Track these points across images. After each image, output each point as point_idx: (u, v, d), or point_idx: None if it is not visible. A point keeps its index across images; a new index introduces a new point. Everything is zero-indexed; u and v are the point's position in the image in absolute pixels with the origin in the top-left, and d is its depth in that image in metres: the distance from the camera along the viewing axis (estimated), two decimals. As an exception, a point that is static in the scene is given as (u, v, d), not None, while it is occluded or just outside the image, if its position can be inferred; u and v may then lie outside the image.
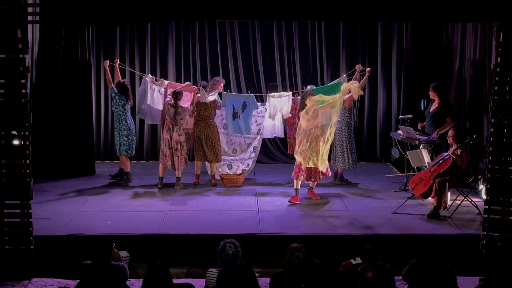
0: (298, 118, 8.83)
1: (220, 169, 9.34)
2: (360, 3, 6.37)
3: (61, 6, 6.28)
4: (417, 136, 8.77)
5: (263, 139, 9.83)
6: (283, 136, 9.50)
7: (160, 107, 9.26)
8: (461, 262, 6.48)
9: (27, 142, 6.09)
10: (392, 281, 5.04)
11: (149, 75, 9.50)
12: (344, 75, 9.35)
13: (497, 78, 6.24)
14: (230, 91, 10.58)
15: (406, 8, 6.37)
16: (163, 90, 9.27)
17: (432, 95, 8.87)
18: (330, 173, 8.46)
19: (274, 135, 9.56)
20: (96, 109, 10.73)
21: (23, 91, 6.08)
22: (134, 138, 9.31)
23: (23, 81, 6.07)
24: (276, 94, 9.29)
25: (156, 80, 9.34)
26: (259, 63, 10.91)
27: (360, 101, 10.95)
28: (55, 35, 9.40)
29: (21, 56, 6.01)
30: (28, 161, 6.13)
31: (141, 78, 9.64)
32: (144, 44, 10.79)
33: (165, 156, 8.87)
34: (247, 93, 9.59)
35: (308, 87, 9.46)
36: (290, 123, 9.39)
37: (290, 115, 9.28)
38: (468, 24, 9.10)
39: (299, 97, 9.28)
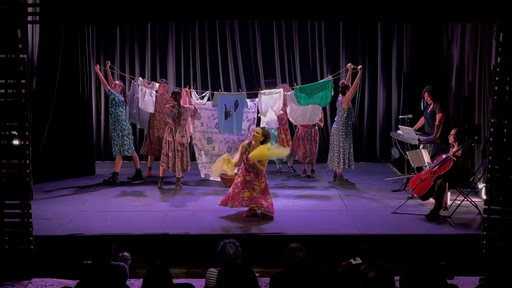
0: (286, 114, 9.36)
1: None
2: (360, 3, 6.37)
3: (61, 6, 6.28)
4: (417, 136, 8.79)
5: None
6: (277, 126, 9.37)
7: (151, 109, 9.25)
8: (461, 262, 6.48)
9: (27, 142, 6.09)
10: (392, 281, 5.04)
11: (140, 78, 9.50)
12: (330, 76, 9.37)
13: (497, 78, 6.24)
14: (230, 91, 10.60)
15: (406, 8, 6.37)
16: (154, 93, 9.28)
17: (427, 98, 8.92)
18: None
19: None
20: (96, 109, 10.73)
21: (23, 91, 6.07)
22: (132, 138, 9.35)
23: (23, 81, 6.07)
24: (267, 91, 9.29)
25: (147, 83, 9.36)
26: (259, 63, 10.91)
27: (360, 101, 10.98)
28: (55, 35, 9.40)
29: (21, 56, 6.01)
30: (28, 161, 6.13)
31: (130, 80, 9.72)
32: (144, 44, 10.79)
33: (167, 157, 8.84)
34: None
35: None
36: (279, 119, 9.39)
37: (282, 112, 9.30)
38: (468, 24, 9.11)
39: (288, 93, 9.30)
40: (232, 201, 7.52)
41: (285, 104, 9.37)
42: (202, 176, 9.38)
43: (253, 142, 7.62)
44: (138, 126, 10.12)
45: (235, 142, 9.34)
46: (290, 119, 9.64)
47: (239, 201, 7.48)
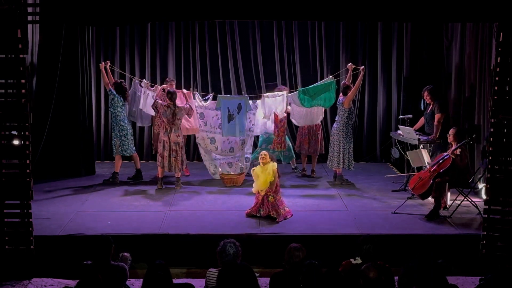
0: (286, 116, 9.30)
1: (220, 169, 9.35)
2: (360, 3, 6.37)
3: (61, 6, 6.28)
4: (417, 136, 8.79)
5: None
6: (271, 132, 9.39)
7: (153, 112, 9.24)
8: (461, 262, 6.48)
9: (27, 142, 6.09)
10: (392, 281, 5.04)
11: (144, 80, 9.50)
12: (332, 76, 9.37)
13: (497, 78, 6.24)
14: (230, 92, 10.62)
15: (406, 8, 6.37)
16: None
17: (427, 98, 8.92)
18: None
19: (264, 131, 9.47)
20: (96, 110, 10.73)
21: (23, 91, 6.08)
22: (132, 138, 9.33)
23: (23, 81, 6.07)
24: (270, 94, 9.28)
25: (151, 86, 9.36)
26: (259, 63, 10.91)
27: (360, 101, 10.97)
28: (55, 35, 9.40)
29: (21, 56, 6.02)
30: (28, 161, 6.13)
31: (131, 79, 9.71)
32: (144, 44, 10.79)
33: (162, 157, 8.82)
34: (247, 93, 9.60)
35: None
36: (277, 120, 9.37)
37: (285, 114, 9.29)
38: (468, 24, 9.11)
39: (289, 94, 9.30)
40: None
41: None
42: (211, 171, 9.37)
43: (263, 165, 7.66)
44: (139, 125, 10.10)
45: (237, 143, 9.33)
46: (293, 120, 9.61)
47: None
